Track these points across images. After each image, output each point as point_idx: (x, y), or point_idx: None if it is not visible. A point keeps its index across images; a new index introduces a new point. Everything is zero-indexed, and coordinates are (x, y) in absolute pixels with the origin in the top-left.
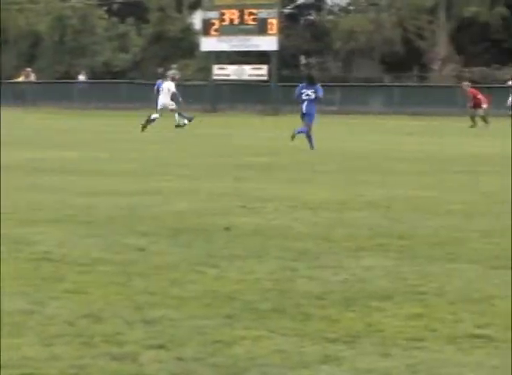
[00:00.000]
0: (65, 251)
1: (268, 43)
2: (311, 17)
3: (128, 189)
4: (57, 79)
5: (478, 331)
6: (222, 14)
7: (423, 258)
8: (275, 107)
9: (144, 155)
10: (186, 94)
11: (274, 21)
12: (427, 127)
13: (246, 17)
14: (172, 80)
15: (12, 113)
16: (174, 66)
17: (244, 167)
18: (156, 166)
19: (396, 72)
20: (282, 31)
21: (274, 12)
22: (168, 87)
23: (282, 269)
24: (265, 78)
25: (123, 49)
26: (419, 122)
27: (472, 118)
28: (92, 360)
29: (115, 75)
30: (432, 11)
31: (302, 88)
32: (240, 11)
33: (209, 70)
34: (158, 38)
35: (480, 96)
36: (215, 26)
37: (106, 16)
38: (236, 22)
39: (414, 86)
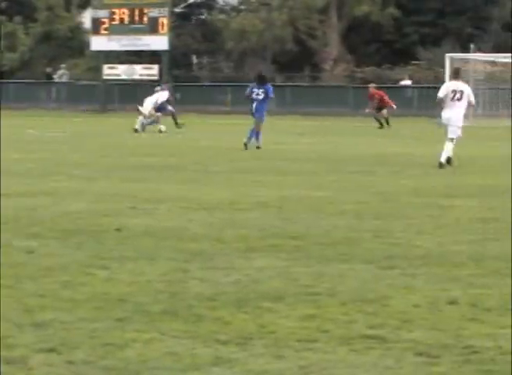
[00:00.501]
0: None
1: (159, 42)
2: (203, 16)
3: (21, 190)
4: None
5: (371, 332)
6: (112, 13)
7: (316, 258)
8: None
9: (41, 156)
10: (75, 94)
11: (165, 20)
12: (319, 127)
13: (136, 16)
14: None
15: None
16: (63, 65)
17: (136, 168)
18: (52, 167)
19: (288, 72)
20: (173, 31)
21: (165, 11)
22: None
23: (174, 271)
24: (156, 78)
25: (11, 48)
26: (311, 122)
27: (377, 119)
28: None
29: (3, 75)
30: (324, 11)
31: (253, 88)
32: (130, 10)
33: (99, 70)
34: (46, 37)
35: (386, 97)
36: (105, 25)
37: None
38: (126, 21)
39: (306, 86)
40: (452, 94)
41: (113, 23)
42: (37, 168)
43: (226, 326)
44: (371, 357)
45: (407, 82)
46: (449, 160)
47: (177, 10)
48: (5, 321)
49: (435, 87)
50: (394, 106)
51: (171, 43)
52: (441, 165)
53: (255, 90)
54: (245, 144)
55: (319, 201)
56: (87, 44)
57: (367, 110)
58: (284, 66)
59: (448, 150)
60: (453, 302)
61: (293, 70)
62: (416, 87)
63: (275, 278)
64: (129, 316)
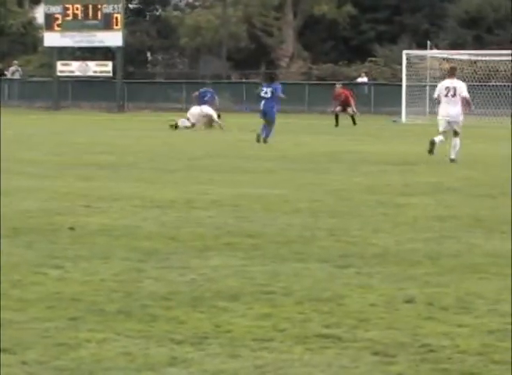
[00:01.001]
0: None
1: (113, 39)
2: (157, 13)
3: None
4: None
5: (326, 331)
6: (66, 9)
7: (271, 257)
8: (121, 104)
9: None
10: (28, 91)
11: (119, 16)
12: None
13: (90, 12)
14: None
15: None
16: (15, 62)
17: (90, 166)
18: (2, 164)
19: (243, 69)
20: (128, 27)
21: (119, 7)
22: None
23: (129, 270)
24: (110, 75)
25: None
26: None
27: (337, 117)
28: None
29: None
30: (279, 7)
31: (263, 87)
32: (84, 5)
33: (52, 66)
34: None
35: (351, 99)
36: (58, 21)
37: None
38: (80, 17)
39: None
40: (445, 91)
41: (66, 18)
42: None
43: (181, 326)
44: (326, 356)
45: (364, 79)
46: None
47: (131, 6)
48: None
49: (392, 85)
50: (358, 113)
51: (125, 39)
52: (452, 160)
53: (264, 88)
54: (258, 136)
55: (275, 199)
56: (40, 41)
57: (331, 109)
58: (240, 63)
59: (455, 149)
60: (409, 301)
61: (248, 67)
62: (373, 84)
63: (230, 277)
64: (83, 315)
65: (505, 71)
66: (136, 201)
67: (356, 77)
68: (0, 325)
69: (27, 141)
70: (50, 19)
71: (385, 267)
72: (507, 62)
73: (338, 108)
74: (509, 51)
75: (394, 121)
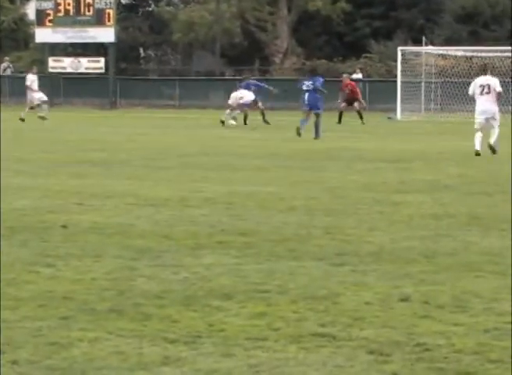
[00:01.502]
0: None
1: (106, 34)
2: (150, 8)
3: None
4: None
5: (321, 330)
6: (58, 4)
7: (266, 255)
8: (113, 101)
9: None
10: (20, 88)
11: (111, 12)
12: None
13: (82, 7)
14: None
15: None
16: (7, 58)
17: (82, 163)
18: None
19: (237, 65)
20: (120, 23)
21: (111, 2)
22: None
23: (121, 268)
24: (103, 71)
25: None
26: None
27: (341, 114)
28: None
29: None
30: (273, 3)
31: (304, 80)
32: (75, 1)
33: (44, 63)
34: None
35: (357, 90)
36: (50, 17)
37: None
38: (71, 12)
39: (256, 79)
40: (480, 89)
41: (58, 14)
42: None
43: (174, 325)
44: (321, 355)
45: (359, 75)
46: (492, 148)
47: (124, 1)
48: None
49: (387, 81)
50: (365, 105)
51: (118, 35)
52: (494, 151)
53: (305, 82)
54: (298, 129)
55: (269, 197)
56: (32, 37)
57: (339, 101)
58: (233, 59)
59: (494, 136)
60: (404, 299)
61: (242, 63)
62: (367, 81)
63: (224, 275)
64: (75, 314)
65: (501, 67)
66: (129, 198)
67: (351, 74)
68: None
69: (19, 139)
70: (41, 15)
71: (380, 265)
72: (503, 58)
73: (343, 105)
74: (505, 48)
75: (389, 118)
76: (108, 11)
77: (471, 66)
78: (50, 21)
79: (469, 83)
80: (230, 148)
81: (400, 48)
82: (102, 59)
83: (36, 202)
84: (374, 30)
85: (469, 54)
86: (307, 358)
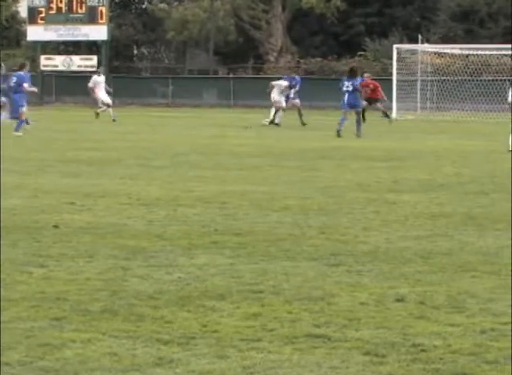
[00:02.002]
0: None
1: (98, 32)
2: (143, 6)
3: None
4: None
5: (316, 331)
6: (50, 2)
7: (260, 255)
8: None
9: None
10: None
11: (104, 9)
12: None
13: (74, 5)
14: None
15: None
16: None
17: (75, 162)
18: None
19: (231, 63)
20: (113, 20)
21: (104, 0)
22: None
23: (114, 269)
24: (95, 69)
25: None
26: (255, 115)
27: (363, 112)
28: None
29: None
30: (267, 0)
31: (344, 81)
32: None
33: (36, 61)
34: None
35: (379, 89)
36: (42, 15)
37: None
38: (64, 10)
39: (250, 78)
40: None
41: (50, 12)
42: None
43: (168, 326)
44: (316, 356)
45: None
46: None
47: None
48: None
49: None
50: (385, 97)
51: (110, 33)
52: None
53: (345, 82)
54: (338, 131)
55: (263, 196)
56: (24, 35)
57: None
58: (227, 57)
59: None
60: (400, 300)
61: (236, 62)
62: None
63: (218, 276)
64: (67, 315)
65: (497, 65)
66: (122, 198)
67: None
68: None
69: (10, 138)
70: (33, 13)
71: (375, 265)
72: (499, 56)
73: (364, 103)
74: (501, 46)
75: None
76: (100, 8)
77: (466, 65)
78: (42, 19)
79: (465, 81)
80: (224, 147)
81: (395, 46)
82: (95, 57)
83: (27, 202)
84: (369, 28)
85: (465, 52)
86: (302, 359)
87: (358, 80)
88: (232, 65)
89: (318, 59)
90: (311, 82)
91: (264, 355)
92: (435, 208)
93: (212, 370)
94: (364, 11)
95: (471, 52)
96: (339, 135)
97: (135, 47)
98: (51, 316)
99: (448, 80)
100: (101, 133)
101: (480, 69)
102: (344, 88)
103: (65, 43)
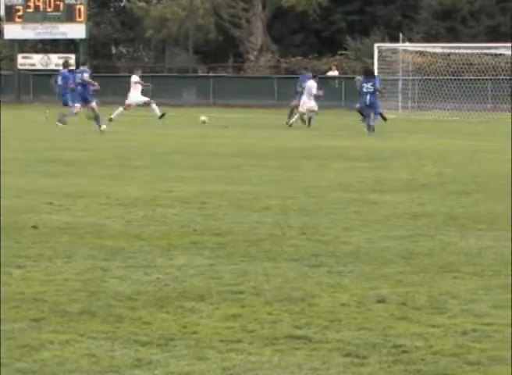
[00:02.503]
0: None
1: (76, 31)
2: (122, 3)
3: None
4: None
5: (297, 332)
6: (27, 0)
7: (240, 256)
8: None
9: None
10: None
11: (82, 7)
12: (243, 120)
13: (52, 3)
14: None
15: None
16: None
17: (54, 162)
18: None
19: (210, 62)
20: (91, 18)
21: None
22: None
23: (92, 269)
24: (74, 68)
25: None
26: (235, 114)
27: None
28: None
29: None
30: None
31: (362, 82)
32: None
33: (13, 59)
34: None
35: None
36: (19, 13)
37: None
38: (41, 8)
39: (230, 77)
40: None
41: (28, 10)
42: None
43: (147, 327)
44: (297, 358)
45: (335, 72)
46: None
47: None
48: None
49: None
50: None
51: (89, 31)
52: None
53: (364, 84)
54: (371, 127)
55: (243, 196)
56: (1, 33)
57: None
58: (207, 56)
59: None
60: (381, 301)
61: (216, 60)
62: (343, 78)
63: (197, 276)
64: (46, 316)
65: (479, 64)
66: (101, 198)
67: (326, 71)
68: None
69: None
70: (10, 11)
71: (357, 266)
72: (481, 55)
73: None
74: (483, 44)
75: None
76: (78, 6)
77: (448, 64)
78: (19, 17)
79: (447, 81)
80: (204, 146)
81: (376, 45)
82: (73, 56)
83: (6, 202)
84: (350, 26)
85: (447, 51)
86: (283, 360)
87: (377, 79)
88: (212, 64)
89: (299, 58)
90: (292, 81)
91: (244, 356)
92: (417, 208)
93: (192, 372)
94: (345, 9)
95: (452, 51)
96: (373, 130)
97: (113, 45)
98: (30, 317)
99: (430, 80)
100: (81, 133)
101: (462, 68)
102: (365, 90)
103: (43, 41)
